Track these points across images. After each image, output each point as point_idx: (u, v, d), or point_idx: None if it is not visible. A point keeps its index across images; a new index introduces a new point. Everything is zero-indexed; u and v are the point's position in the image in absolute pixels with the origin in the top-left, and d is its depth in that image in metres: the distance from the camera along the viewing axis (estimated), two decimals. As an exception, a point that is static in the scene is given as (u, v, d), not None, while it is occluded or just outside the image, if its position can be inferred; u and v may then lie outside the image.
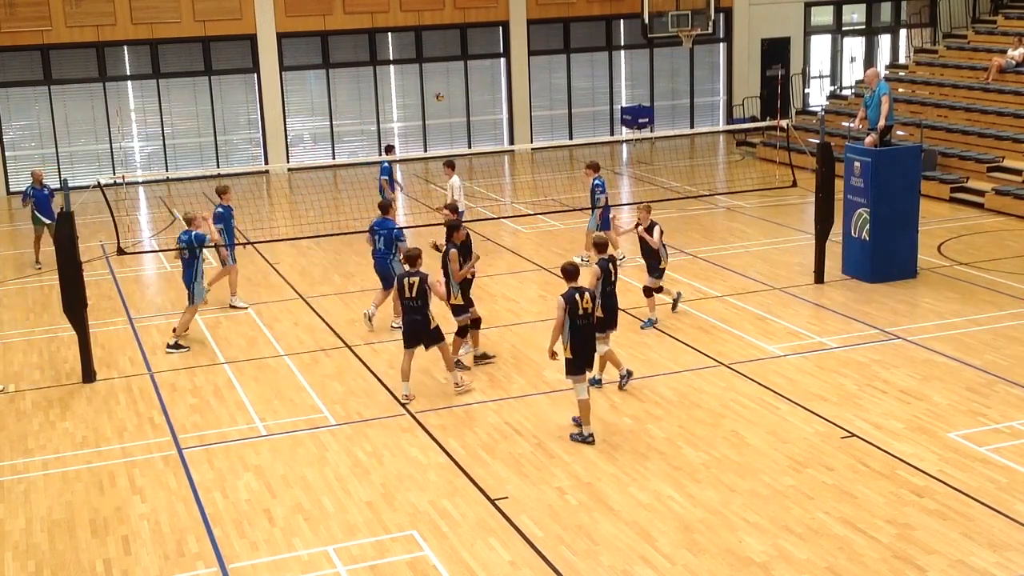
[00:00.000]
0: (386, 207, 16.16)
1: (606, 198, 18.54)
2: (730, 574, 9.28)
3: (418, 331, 13.07)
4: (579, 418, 11.98)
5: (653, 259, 15.50)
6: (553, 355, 11.92)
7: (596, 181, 18.58)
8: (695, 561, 9.48)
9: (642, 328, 15.40)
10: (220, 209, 17.03)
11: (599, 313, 12.51)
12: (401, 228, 16.24)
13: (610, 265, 12.92)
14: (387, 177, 20.71)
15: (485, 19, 31.25)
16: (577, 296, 11.62)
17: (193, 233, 15.71)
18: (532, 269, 19.02)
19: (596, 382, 13.20)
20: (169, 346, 15.54)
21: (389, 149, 22.04)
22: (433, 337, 13.19)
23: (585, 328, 11.71)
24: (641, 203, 15.63)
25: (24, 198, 20.46)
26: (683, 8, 29.22)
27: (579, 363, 11.74)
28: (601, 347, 12.88)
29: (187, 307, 15.88)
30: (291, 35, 29.76)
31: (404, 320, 13.34)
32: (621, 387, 13.26)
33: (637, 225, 15.42)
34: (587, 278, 12.64)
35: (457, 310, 14.09)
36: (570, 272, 11.85)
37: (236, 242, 17.86)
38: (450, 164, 19.55)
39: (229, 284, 17.41)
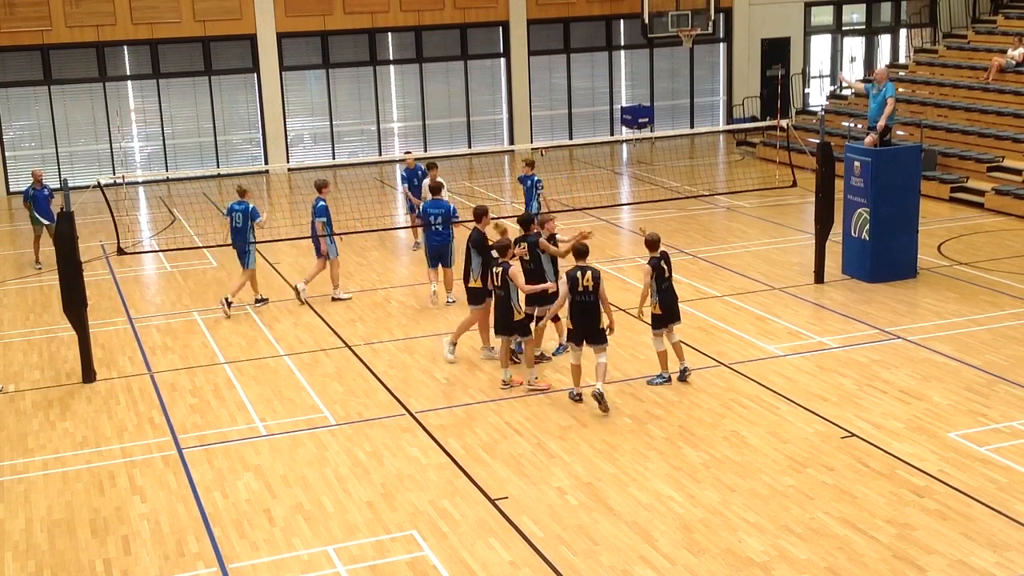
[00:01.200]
0: (437, 188, 16.90)
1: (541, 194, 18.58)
2: (730, 574, 9.28)
3: (505, 320, 13.44)
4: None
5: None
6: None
7: (536, 178, 18.49)
8: (695, 561, 9.48)
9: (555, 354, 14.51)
10: (322, 202, 17.21)
11: (656, 310, 13.19)
12: (455, 207, 17.09)
13: (662, 263, 13.15)
14: (407, 186, 20.42)
15: (485, 19, 31.25)
16: (579, 274, 12.50)
17: (251, 206, 16.88)
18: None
19: (683, 372, 13.52)
20: (226, 302, 17.00)
21: (407, 153, 21.62)
22: (517, 328, 13.47)
23: (584, 304, 12.49)
24: (548, 212, 15.57)
25: (25, 199, 20.48)
26: (683, 8, 29.23)
27: (577, 334, 12.67)
28: (657, 343, 13.40)
29: (242, 272, 17.10)
30: (291, 35, 29.76)
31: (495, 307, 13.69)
32: (682, 378, 13.49)
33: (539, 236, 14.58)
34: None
35: (554, 297, 14.10)
36: (579, 252, 12.83)
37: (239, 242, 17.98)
38: (432, 166, 19.26)
39: (332, 277, 17.52)
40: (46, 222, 19.85)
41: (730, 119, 33.28)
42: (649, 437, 12.02)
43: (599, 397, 12.49)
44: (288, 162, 29.70)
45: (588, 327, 12.59)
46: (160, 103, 29.25)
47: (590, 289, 12.45)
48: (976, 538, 9.67)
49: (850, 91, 18.54)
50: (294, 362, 14.83)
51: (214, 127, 29.72)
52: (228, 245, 17.80)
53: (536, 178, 18.52)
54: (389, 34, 30.81)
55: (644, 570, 9.38)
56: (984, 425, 12.00)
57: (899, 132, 24.35)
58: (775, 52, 33.81)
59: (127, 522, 10.60)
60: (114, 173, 26.79)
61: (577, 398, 12.90)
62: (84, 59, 28.49)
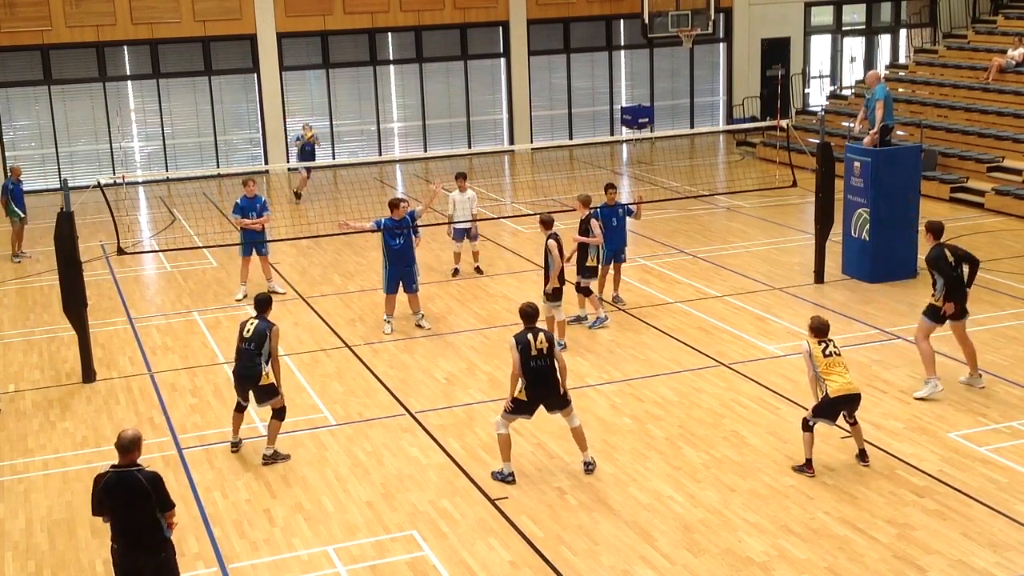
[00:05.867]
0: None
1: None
2: (730, 574, 9.28)
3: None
4: None
5: (581, 257, 15.50)
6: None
7: (623, 205, 16.72)
8: (695, 561, 9.48)
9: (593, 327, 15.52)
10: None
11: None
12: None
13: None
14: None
15: (485, 19, 31.24)
16: (530, 336, 10.88)
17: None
18: (532, 269, 19.02)
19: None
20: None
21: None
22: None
23: (539, 369, 10.85)
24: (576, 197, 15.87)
25: (4, 193, 20.86)
26: (683, 8, 29.20)
27: (530, 403, 11.02)
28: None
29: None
30: (291, 35, 29.75)
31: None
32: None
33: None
34: None
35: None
36: (526, 315, 11.12)
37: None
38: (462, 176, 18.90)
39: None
40: (22, 214, 20.76)
41: (730, 119, 33.26)
42: (649, 437, 12.02)
43: (591, 467, 11.19)
44: (288, 162, 29.67)
45: (546, 392, 10.90)
46: (160, 103, 29.23)
47: (544, 352, 10.82)
48: (976, 538, 9.67)
49: (861, 127, 18.58)
50: (294, 362, 14.83)
51: (214, 127, 29.71)
52: (227, 245, 17.85)
53: (622, 204, 16.68)
54: (389, 34, 30.80)
55: (644, 570, 9.38)
56: (984, 425, 12.00)
57: (899, 132, 24.35)
58: (775, 52, 33.79)
59: (127, 522, 10.58)
60: (114, 173, 26.77)
61: (510, 479, 11.04)
62: (84, 59, 28.48)
